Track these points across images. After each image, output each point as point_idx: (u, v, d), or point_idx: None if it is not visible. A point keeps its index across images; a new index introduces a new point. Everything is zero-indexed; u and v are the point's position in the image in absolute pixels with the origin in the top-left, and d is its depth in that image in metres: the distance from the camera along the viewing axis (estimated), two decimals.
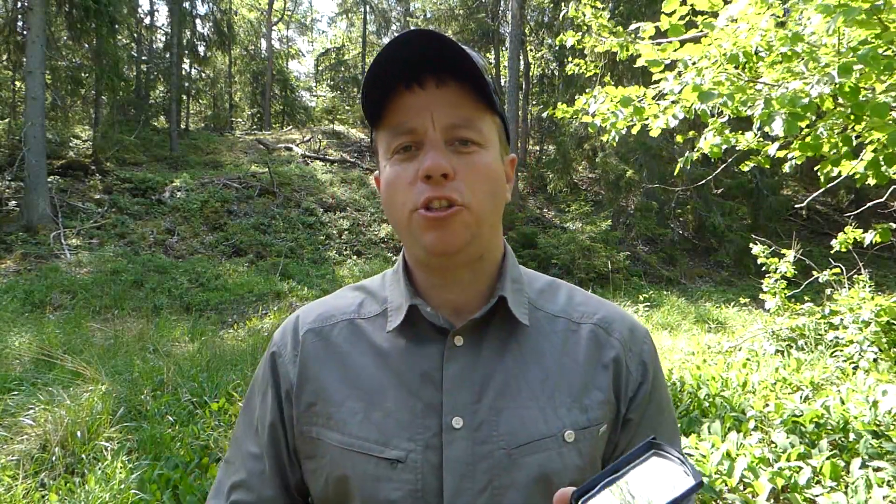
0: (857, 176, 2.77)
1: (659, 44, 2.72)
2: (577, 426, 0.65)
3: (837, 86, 1.98)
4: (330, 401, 0.67)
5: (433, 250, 0.63)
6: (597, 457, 0.67)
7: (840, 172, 2.93)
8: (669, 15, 2.47)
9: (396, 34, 0.67)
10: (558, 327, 0.70)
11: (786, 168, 3.07)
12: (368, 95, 0.63)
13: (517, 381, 0.66)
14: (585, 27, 3.50)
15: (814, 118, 2.71)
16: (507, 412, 0.64)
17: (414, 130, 0.61)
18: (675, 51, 2.61)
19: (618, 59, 3.37)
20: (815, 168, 3.20)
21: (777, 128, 2.19)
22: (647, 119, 3.01)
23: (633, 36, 3.11)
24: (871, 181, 2.65)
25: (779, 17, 2.45)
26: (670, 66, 2.73)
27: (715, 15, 2.44)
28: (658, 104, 2.95)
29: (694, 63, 2.56)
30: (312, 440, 0.67)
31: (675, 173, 3.33)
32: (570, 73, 3.81)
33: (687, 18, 2.51)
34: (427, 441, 0.63)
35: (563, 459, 0.63)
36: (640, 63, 2.72)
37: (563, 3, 14.61)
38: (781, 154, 3.01)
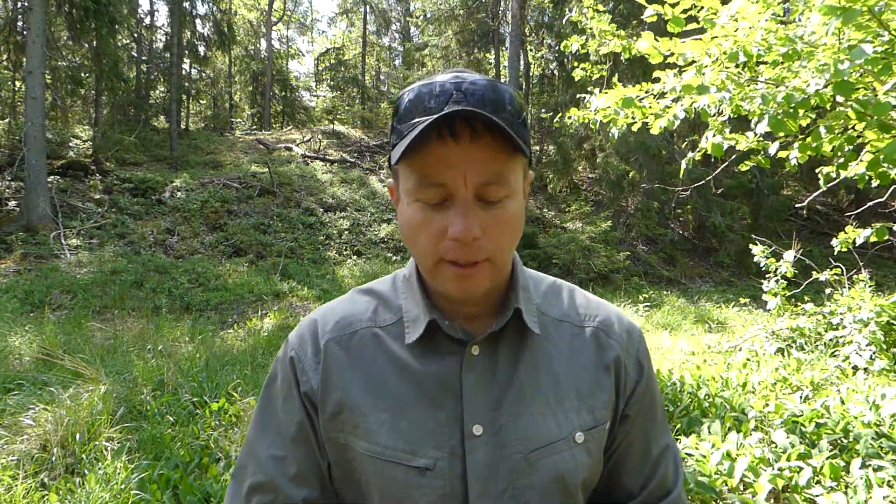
0: (858, 177, 2.76)
1: (661, 38, 2.70)
2: (585, 427, 0.69)
3: (833, 82, 1.97)
4: (356, 410, 0.68)
5: (456, 297, 0.66)
6: (601, 452, 0.72)
7: (839, 173, 2.92)
8: (673, 6, 2.44)
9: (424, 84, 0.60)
10: (564, 332, 0.74)
11: (788, 166, 3.07)
12: (407, 141, 0.58)
13: (531, 387, 0.69)
14: (589, 30, 3.49)
15: (814, 117, 2.70)
16: (523, 418, 0.67)
17: (444, 185, 0.60)
18: (673, 46, 2.59)
19: (623, 59, 3.35)
20: (816, 169, 3.19)
21: (762, 127, 2.20)
22: (647, 118, 3.00)
23: (635, 37, 3.11)
24: (874, 182, 2.64)
25: (779, 15, 2.45)
26: (671, 66, 2.72)
27: (716, 13, 2.43)
28: (658, 103, 2.94)
29: (694, 61, 2.56)
30: (341, 446, 0.69)
31: (680, 175, 3.32)
32: (576, 77, 3.78)
33: (689, 13, 2.50)
34: (452, 448, 0.65)
35: (574, 459, 0.67)
36: (642, 51, 2.67)
37: (563, 4, 14.62)
38: (784, 154, 3.01)
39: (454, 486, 0.65)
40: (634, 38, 3.09)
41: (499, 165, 0.61)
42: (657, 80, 2.85)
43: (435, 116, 0.56)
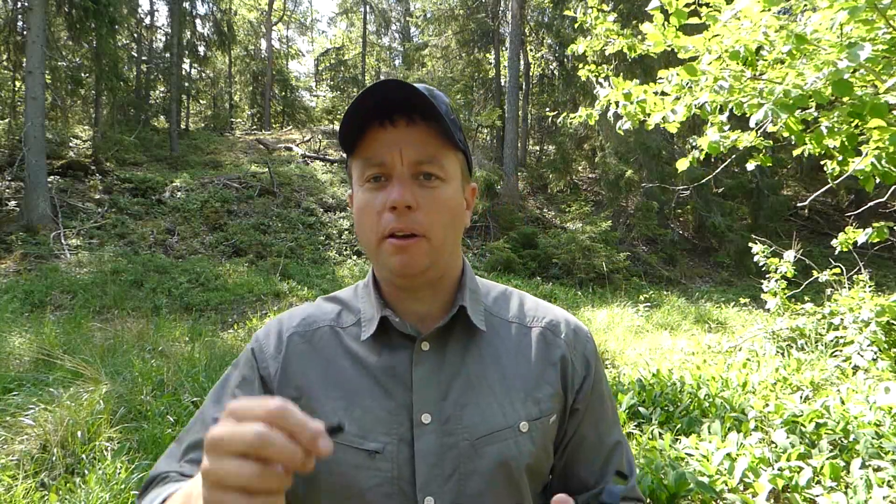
0: (862, 178, 2.75)
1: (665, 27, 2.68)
2: (530, 417, 0.74)
3: (832, 81, 1.96)
4: (313, 397, 0.73)
5: (397, 272, 0.71)
6: (548, 442, 0.76)
7: (843, 171, 2.92)
8: None
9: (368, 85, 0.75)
10: (512, 331, 0.80)
11: (791, 164, 3.05)
12: (346, 128, 0.69)
13: (478, 379, 0.74)
14: (593, 29, 3.48)
15: (816, 115, 2.70)
16: (469, 407, 0.72)
17: (384, 163, 0.69)
18: (675, 38, 2.58)
19: (627, 57, 3.35)
20: (822, 163, 3.19)
21: (761, 114, 2.20)
22: (648, 115, 2.99)
23: (640, 38, 3.11)
24: (877, 180, 2.63)
25: (786, 9, 2.44)
26: (674, 62, 2.71)
27: (718, 10, 2.43)
28: (662, 100, 2.93)
29: (697, 58, 2.55)
30: None
31: (678, 172, 3.30)
32: (583, 77, 3.75)
33: (693, 6, 2.49)
34: (401, 435, 0.71)
35: (518, 447, 0.72)
36: (646, 34, 2.64)
37: (563, 4, 14.60)
38: (797, 146, 2.98)
39: (402, 470, 0.69)
40: (638, 37, 3.08)
41: (433, 150, 0.69)
42: (661, 79, 2.85)
43: (369, 86, 0.65)
